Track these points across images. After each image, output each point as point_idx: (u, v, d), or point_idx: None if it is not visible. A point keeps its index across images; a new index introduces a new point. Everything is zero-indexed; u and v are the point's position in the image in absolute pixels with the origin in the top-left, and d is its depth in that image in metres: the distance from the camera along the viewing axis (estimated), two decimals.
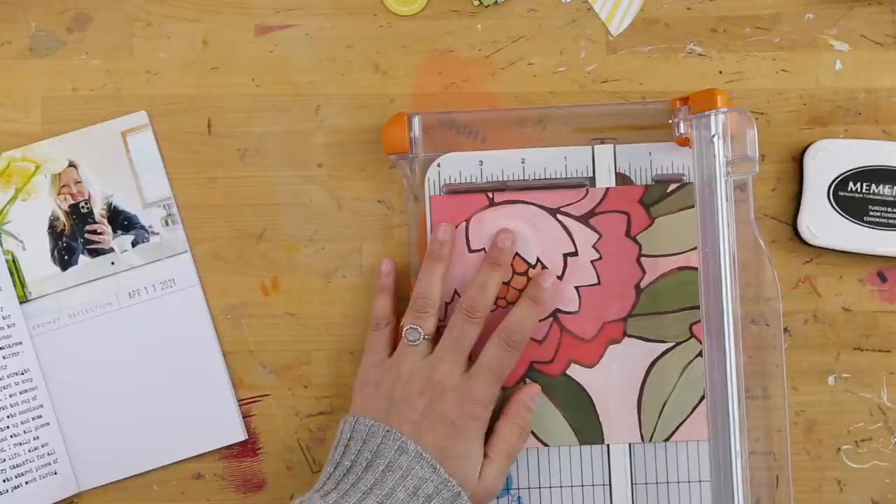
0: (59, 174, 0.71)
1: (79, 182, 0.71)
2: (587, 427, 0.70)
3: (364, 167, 0.72)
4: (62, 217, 0.71)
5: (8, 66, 0.72)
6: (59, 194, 0.71)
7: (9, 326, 0.71)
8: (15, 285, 0.71)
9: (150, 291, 0.72)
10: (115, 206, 0.71)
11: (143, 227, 0.71)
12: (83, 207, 0.71)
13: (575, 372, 0.70)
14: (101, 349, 0.71)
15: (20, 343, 0.71)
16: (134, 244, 0.71)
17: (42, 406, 0.71)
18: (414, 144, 0.70)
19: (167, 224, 0.71)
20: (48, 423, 0.71)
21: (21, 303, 0.71)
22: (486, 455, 0.66)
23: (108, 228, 0.71)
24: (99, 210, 0.71)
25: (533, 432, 0.69)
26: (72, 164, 0.71)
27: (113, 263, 0.71)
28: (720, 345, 0.64)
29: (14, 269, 0.71)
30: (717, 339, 0.64)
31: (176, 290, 0.72)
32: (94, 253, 0.71)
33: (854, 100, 0.71)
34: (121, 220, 0.71)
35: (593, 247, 0.70)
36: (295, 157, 0.72)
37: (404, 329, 0.67)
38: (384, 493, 0.62)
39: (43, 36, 0.72)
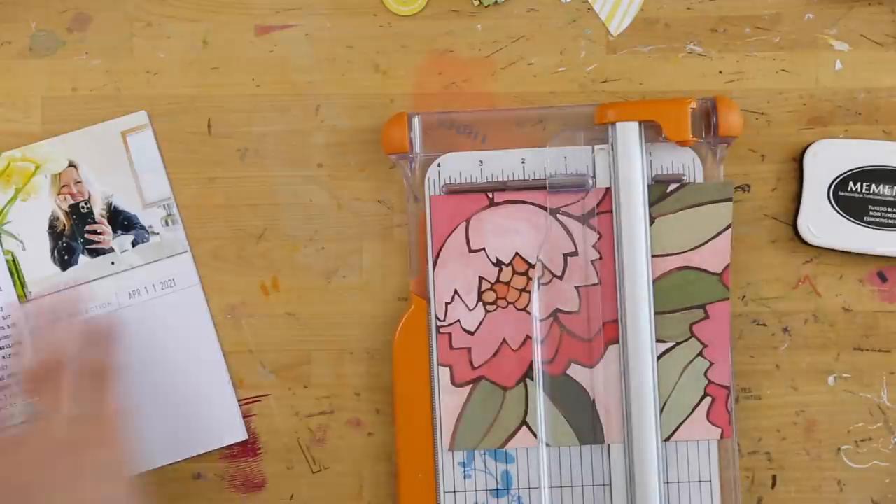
0: (59, 174, 0.71)
1: (79, 182, 0.71)
2: (587, 427, 0.70)
3: (364, 167, 0.72)
4: (62, 217, 0.71)
5: (8, 66, 0.72)
6: (59, 194, 0.71)
7: (8, 326, 0.71)
8: (15, 285, 0.71)
9: (150, 291, 0.71)
10: (115, 206, 0.71)
11: (143, 227, 0.71)
12: (83, 207, 0.71)
13: (575, 372, 0.70)
14: None
15: (20, 343, 0.71)
16: (134, 244, 0.71)
17: None
18: (414, 144, 0.70)
19: (167, 224, 0.71)
20: None
21: (21, 302, 0.71)
22: None
23: (108, 228, 0.71)
24: (99, 210, 0.71)
25: (533, 432, 0.69)
26: (72, 164, 0.71)
27: (113, 263, 0.71)
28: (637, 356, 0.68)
29: (14, 268, 0.71)
30: (634, 350, 0.68)
31: (176, 290, 0.72)
32: (94, 253, 0.71)
33: (854, 100, 0.71)
34: (121, 220, 0.71)
35: (593, 247, 0.70)
36: (295, 157, 0.72)
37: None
38: None
39: (43, 36, 0.72)
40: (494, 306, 0.69)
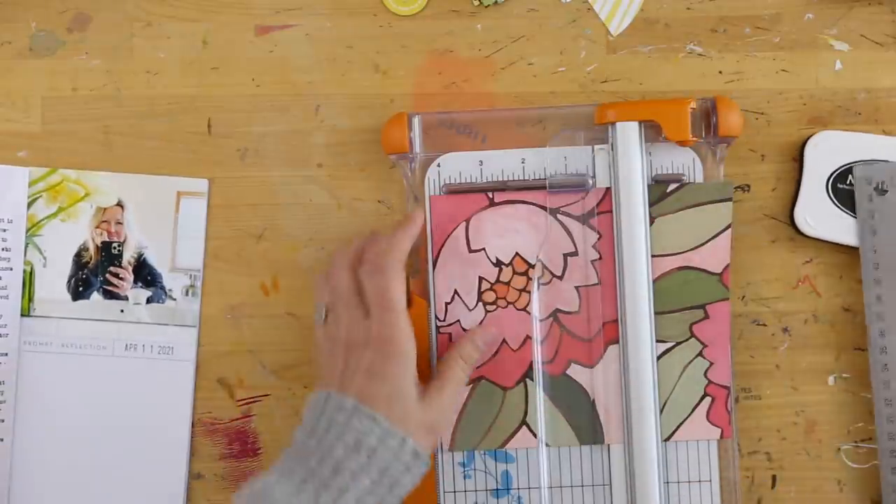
0: (105, 209, 0.71)
1: (120, 223, 0.71)
2: (587, 427, 0.70)
3: (364, 167, 0.72)
4: (92, 249, 0.71)
5: (8, 66, 0.72)
6: (97, 227, 0.71)
7: (1, 336, 0.71)
8: (22, 297, 0.71)
9: (147, 351, 0.71)
10: (144, 258, 0.71)
11: (163, 289, 0.71)
12: (115, 248, 0.71)
13: (575, 372, 0.70)
14: (81, 388, 0.71)
15: (6, 354, 0.71)
16: (149, 301, 0.71)
17: (3, 421, 0.70)
18: (414, 144, 0.70)
19: (187, 294, 0.71)
20: (2, 440, 0.70)
21: (22, 315, 0.71)
22: (427, 384, 0.65)
23: (130, 277, 0.71)
24: (128, 256, 0.71)
25: (533, 432, 0.69)
26: (119, 204, 0.71)
27: (122, 311, 0.71)
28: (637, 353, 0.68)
29: (28, 281, 0.71)
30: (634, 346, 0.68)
31: (171, 359, 0.71)
32: (109, 295, 0.71)
33: (854, 100, 0.71)
34: (144, 274, 0.71)
35: (593, 247, 0.70)
36: (295, 157, 0.72)
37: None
38: (321, 454, 0.60)
39: (43, 36, 0.72)
40: (494, 306, 0.69)
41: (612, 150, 0.69)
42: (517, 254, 0.70)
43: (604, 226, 0.70)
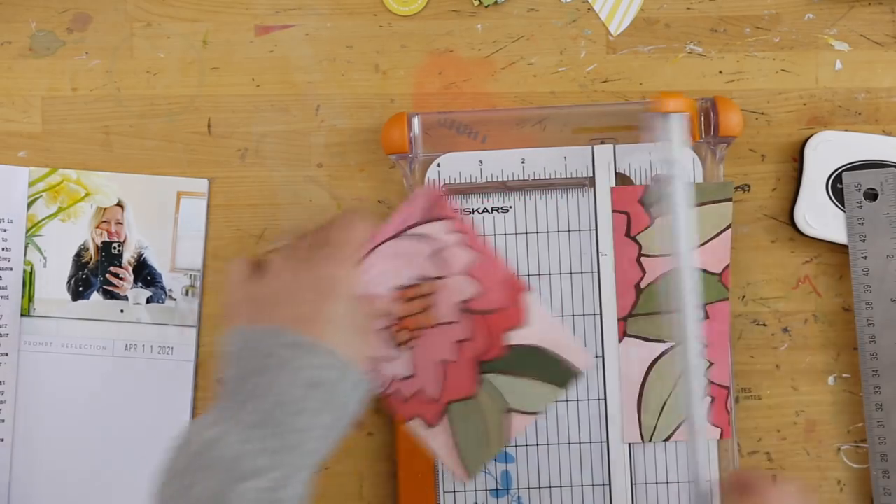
0: (105, 209, 0.71)
1: (120, 223, 0.71)
2: (557, 375, 0.68)
3: (364, 167, 0.72)
4: (91, 250, 0.71)
5: (8, 66, 0.72)
6: (97, 227, 0.71)
7: (1, 336, 0.71)
8: (22, 297, 0.71)
9: (147, 351, 0.71)
10: (144, 258, 0.71)
11: (163, 289, 0.71)
12: (115, 248, 0.71)
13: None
14: (80, 388, 0.71)
15: (6, 354, 0.71)
16: (149, 301, 0.71)
17: (3, 421, 0.71)
18: (414, 144, 0.70)
19: (187, 294, 0.71)
20: (2, 440, 0.71)
21: (22, 315, 0.71)
22: None
23: (130, 277, 0.71)
24: (128, 256, 0.71)
25: (522, 411, 0.69)
26: (119, 204, 0.71)
27: (122, 311, 0.71)
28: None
29: (28, 281, 0.71)
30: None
31: (171, 359, 0.71)
32: (108, 295, 0.71)
33: (854, 100, 0.71)
34: (144, 274, 0.71)
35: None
36: (295, 157, 0.72)
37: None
38: (278, 396, 0.56)
39: (43, 36, 0.72)
40: (412, 340, 0.67)
41: (665, 141, 0.66)
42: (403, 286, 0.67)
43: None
